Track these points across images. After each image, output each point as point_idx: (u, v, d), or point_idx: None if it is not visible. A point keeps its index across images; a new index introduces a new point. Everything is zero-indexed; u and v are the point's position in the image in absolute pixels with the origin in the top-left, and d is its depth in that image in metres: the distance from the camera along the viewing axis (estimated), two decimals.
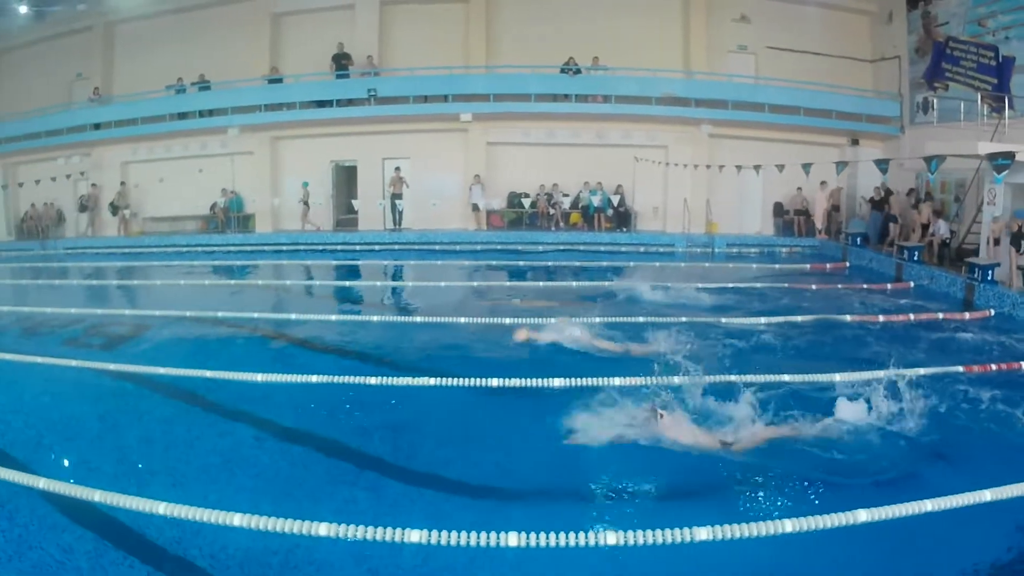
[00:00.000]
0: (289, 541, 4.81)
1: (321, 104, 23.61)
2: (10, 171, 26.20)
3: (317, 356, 10.08)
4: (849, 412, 6.82)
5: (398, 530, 4.66)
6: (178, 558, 4.91)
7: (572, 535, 4.59)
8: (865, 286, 15.04)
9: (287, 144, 24.79)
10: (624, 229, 23.27)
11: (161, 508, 5.11)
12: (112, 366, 9.18)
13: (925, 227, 17.48)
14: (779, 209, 23.79)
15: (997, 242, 14.10)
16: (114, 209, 24.83)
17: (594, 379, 7.80)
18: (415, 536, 4.64)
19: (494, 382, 8.00)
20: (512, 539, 4.57)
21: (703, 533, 4.67)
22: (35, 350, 10.02)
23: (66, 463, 6.51)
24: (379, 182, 24.41)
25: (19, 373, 9.22)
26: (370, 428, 7.23)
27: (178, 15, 25.41)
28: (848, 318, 11.62)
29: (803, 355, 9.54)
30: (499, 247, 21.52)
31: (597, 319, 10.90)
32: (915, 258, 16.24)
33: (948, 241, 17.15)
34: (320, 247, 22.38)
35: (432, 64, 22.99)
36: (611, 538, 4.66)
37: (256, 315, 12.27)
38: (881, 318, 11.68)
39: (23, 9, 25.10)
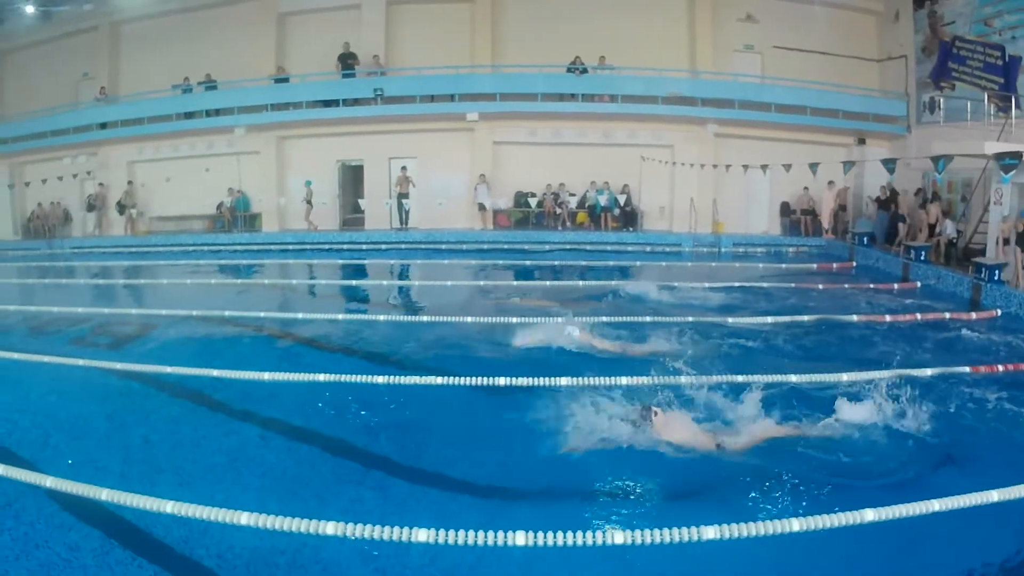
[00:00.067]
0: (296, 540, 4.81)
1: (327, 104, 23.64)
2: (17, 170, 26.34)
3: (324, 355, 10.06)
4: (855, 412, 6.79)
5: (405, 529, 4.66)
6: (185, 557, 4.90)
7: (579, 534, 4.58)
8: (872, 286, 14.98)
9: (293, 144, 24.84)
10: (630, 229, 23.26)
11: (168, 507, 5.11)
12: (119, 365, 9.18)
13: (932, 227, 17.42)
14: (786, 209, 23.75)
15: (1007, 242, 14.05)
16: (121, 208, 24.91)
17: (601, 378, 7.78)
18: (422, 535, 4.64)
19: (501, 381, 7.99)
20: (520, 538, 4.56)
21: (710, 532, 4.66)
22: (42, 349, 10.03)
23: (73, 462, 6.51)
24: (385, 182, 24.43)
25: (26, 372, 9.23)
26: (377, 427, 7.22)
27: (184, 15, 25.49)
28: (855, 318, 11.58)
29: (809, 355, 9.52)
30: (505, 246, 21.50)
31: (604, 319, 10.90)
32: (922, 258, 16.19)
33: (955, 241, 17.10)
34: (326, 246, 22.39)
35: (438, 64, 23.02)
36: (618, 537, 4.66)
37: (263, 314, 12.27)
38: (888, 318, 11.65)
39: (30, 9, 25.19)
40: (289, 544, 4.84)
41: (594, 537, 4.61)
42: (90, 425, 7.40)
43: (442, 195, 24.08)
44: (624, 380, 7.79)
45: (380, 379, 8.32)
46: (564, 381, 7.81)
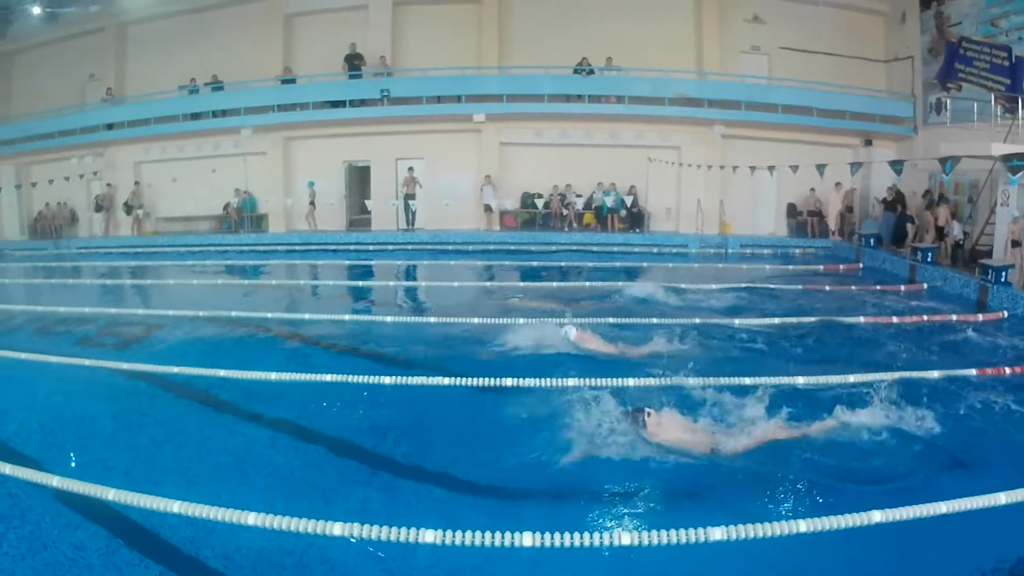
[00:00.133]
0: (303, 541, 4.81)
1: (334, 104, 23.69)
2: (24, 171, 26.47)
3: (330, 355, 10.07)
4: (862, 414, 6.76)
5: (412, 530, 4.66)
6: (191, 557, 4.90)
7: (587, 535, 4.57)
8: (878, 287, 14.93)
9: (300, 144, 24.88)
10: (637, 230, 23.25)
11: (175, 507, 5.11)
12: (125, 365, 9.19)
13: (940, 229, 17.37)
14: (792, 210, 23.73)
15: (1016, 244, 14.01)
16: (128, 209, 24.98)
17: (607, 379, 7.75)
18: (429, 536, 4.63)
19: (508, 382, 7.98)
20: (527, 539, 4.55)
21: (717, 533, 4.64)
22: (49, 349, 10.05)
23: (79, 461, 6.52)
24: (392, 182, 24.47)
25: (33, 372, 9.25)
26: (384, 427, 7.20)
27: (191, 15, 25.56)
28: (861, 319, 11.55)
29: (816, 356, 9.50)
30: (512, 247, 21.52)
31: (611, 320, 10.89)
32: (928, 259, 16.14)
33: (961, 242, 17.05)
34: (333, 247, 22.42)
35: (445, 65, 23.05)
36: (625, 538, 4.65)
37: (269, 315, 12.28)
38: (894, 319, 11.61)
39: (36, 10, 25.28)
40: (296, 544, 4.83)
41: (601, 538, 4.60)
42: (97, 425, 7.40)
43: (449, 196, 24.14)
44: (631, 381, 7.79)
45: (387, 379, 8.31)
46: (571, 382, 7.78)
